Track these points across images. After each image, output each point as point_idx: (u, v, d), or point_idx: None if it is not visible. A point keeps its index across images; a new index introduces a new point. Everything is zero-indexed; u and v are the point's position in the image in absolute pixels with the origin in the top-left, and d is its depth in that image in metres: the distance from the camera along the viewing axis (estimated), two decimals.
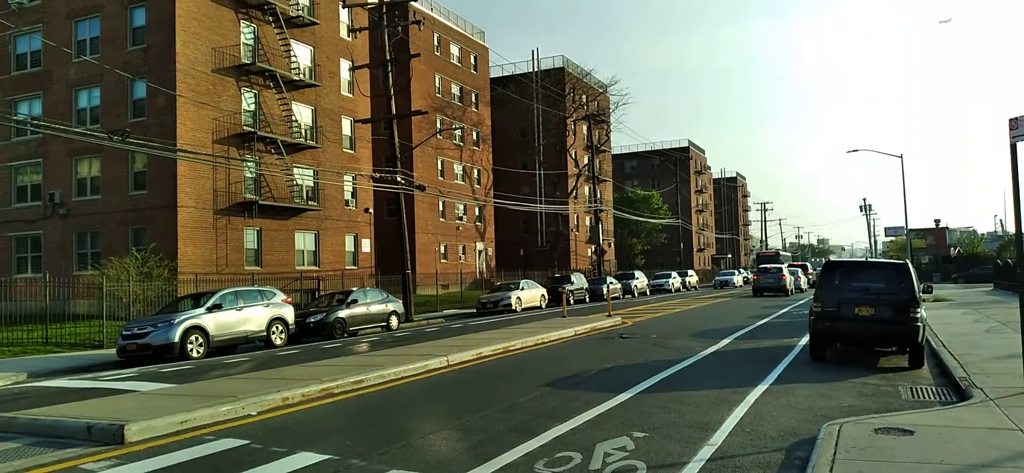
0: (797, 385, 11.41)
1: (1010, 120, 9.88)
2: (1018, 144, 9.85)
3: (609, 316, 25.66)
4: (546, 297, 39.26)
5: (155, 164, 32.38)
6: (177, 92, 31.96)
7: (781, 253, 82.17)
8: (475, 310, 36.45)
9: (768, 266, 50.81)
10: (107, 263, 28.57)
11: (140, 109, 33.50)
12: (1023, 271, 10.43)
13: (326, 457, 7.60)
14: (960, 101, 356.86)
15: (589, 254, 68.79)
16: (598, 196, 66.87)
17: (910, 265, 14.16)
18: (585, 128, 70.65)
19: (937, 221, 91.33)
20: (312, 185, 39.38)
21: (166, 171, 32.33)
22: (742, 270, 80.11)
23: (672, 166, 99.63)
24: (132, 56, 33.45)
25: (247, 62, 35.28)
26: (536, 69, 68.29)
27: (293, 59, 37.71)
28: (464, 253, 58.36)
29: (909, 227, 48.65)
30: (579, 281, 45.03)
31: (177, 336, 18.85)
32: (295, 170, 37.89)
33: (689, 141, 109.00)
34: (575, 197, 68.76)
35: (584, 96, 71.42)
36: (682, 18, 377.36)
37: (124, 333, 19.30)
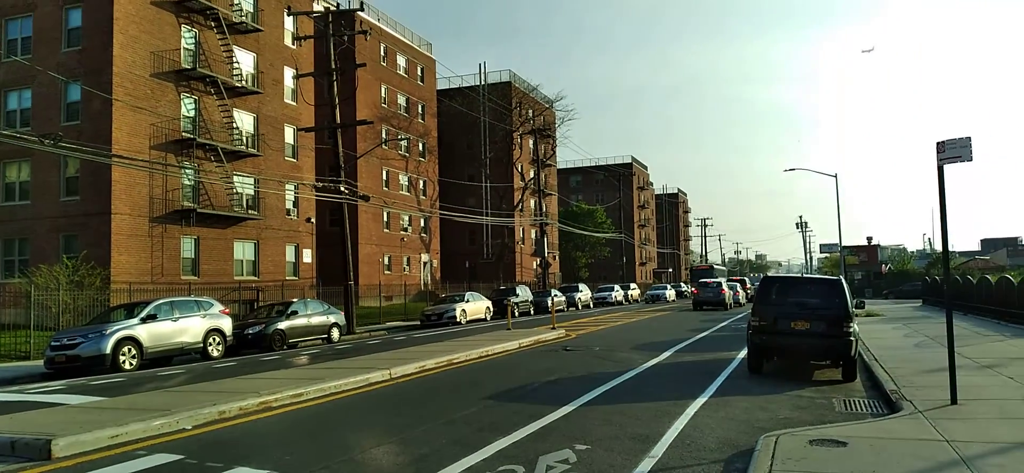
0: (735, 397, 11.62)
1: (938, 143, 10.26)
2: (945, 166, 10.23)
3: (553, 328, 25.76)
4: (491, 309, 39.21)
5: (89, 170, 31.34)
6: (114, 96, 31.04)
7: (716, 267, 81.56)
8: (419, 323, 36.20)
9: (708, 281, 51.60)
10: (36, 271, 27.51)
11: (74, 112, 32.43)
12: (949, 288, 10.83)
13: (264, 472, 7.43)
14: (892, 124, 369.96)
15: (534, 267, 69.05)
16: (544, 210, 67.21)
17: (844, 281, 14.58)
18: (531, 142, 71.02)
19: (869, 239, 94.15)
20: (253, 194, 38.63)
21: (100, 177, 31.33)
22: (678, 283, 79.33)
23: (616, 181, 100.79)
24: (67, 58, 32.37)
25: (188, 67, 34.49)
26: (483, 82, 68.49)
27: (236, 65, 37.03)
28: (409, 265, 57.96)
29: (843, 244, 50.19)
30: (524, 294, 45.15)
31: (109, 347, 18.25)
32: (235, 178, 37.14)
33: (632, 157, 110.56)
34: (521, 210, 69.01)
35: (530, 110, 71.88)
36: (626, 37, 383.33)
37: (53, 344, 18.61)
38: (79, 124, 31.79)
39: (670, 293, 62.57)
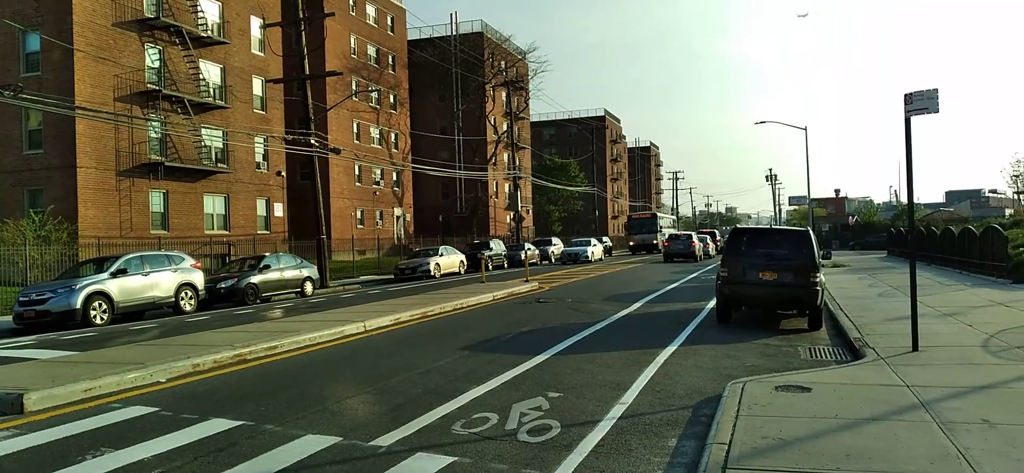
0: (704, 346, 11.86)
1: (905, 95, 10.40)
2: (912, 118, 10.39)
3: (527, 281, 25.95)
4: (465, 263, 39.29)
5: (52, 122, 30.67)
6: (74, 46, 30.27)
7: (658, 214, 71.94)
8: (393, 276, 36.20)
9: (677, 233, 52.09)
10: (2, 226, 27.04)
11: (34, 63, 31.59)
12: (913, 239, 11.09)
13: (239, 423, 7.50)
14: (861, 76, 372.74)
15: (508, 221, 69.16)
16: (517, 163, 67.09)
17: (811, 232, 14.83)
18: (504, 95, 70.59)
19: (837, 191, 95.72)
20: (222, 147, 38.10)
21: (64, 130, 30.68)
22: (604, 238, 66.45)
23: (589, 135, 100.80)
24: (24, 5, 31.40)
25: (151, 17, 33.69)
26: (455, 33, 67.69)
27: (200, 14, 36.22)
28: (381, 219, 57.74)
29: (811, 197, 50.81)
30: (498, 247, 45.29)
31: (79, 302, 18.09)
32: (203, 131, 36.57)
33: (605, 110, 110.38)
34: (494, 164, 68.82)
35: (503, 62, 71.29)
36: None
37: (21, 299, 18.40)
38: (40, 75, 31.02)
39: (595, 250, 49.54)
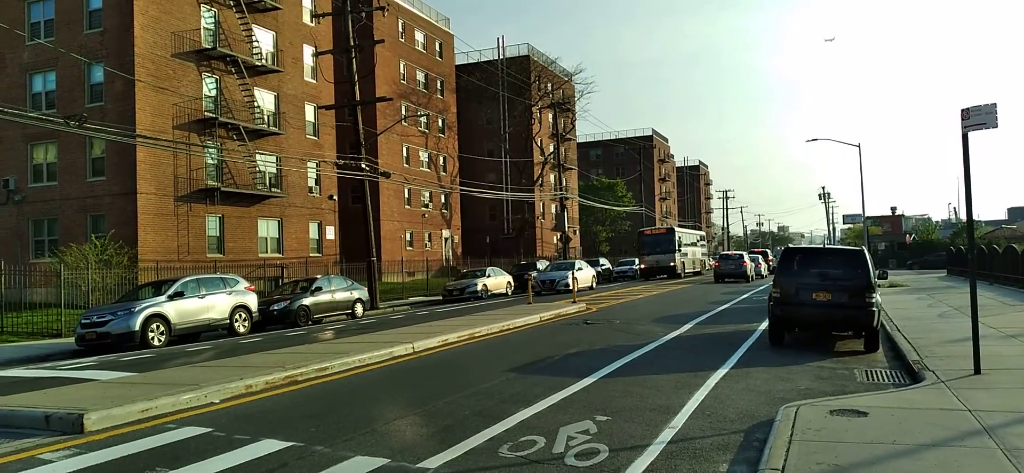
0: (756, 369, 11.64)
1: (962, 110, 10.14)
2: (970, 133, 10.11)
3: (574, 302, 25.83)
4: (512, 284, 39.33)
5: (114, 150, 31.76)
6: (136, 77, 31.35)
7: (678, 229, 55.47)
8: (441, 297, 36.42)
9: (729, 253, 51.26)
10: (65, 250, 28.01)
11: (98, 94, 32.81)
12: (973, 257, 10.75)
13: (290, 444, 7.60)
14: (918, 91, 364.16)
15: (554, 241, 69.06)
16: (563, 184, 67.06)
17: (866, 252, 14.48)
18: (550, 116, 70.72)
19: (893, 208, 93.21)
20: (275, 172, 38.94)
21: (125, 157, 31.73)
22: (599, 262, 49.26)
23: (636, 154, 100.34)
24: (88, 39, 32.70)
25: (208, 47, 34.71)
26: (502, 57, 68.19)
27: (255, 44, 37.19)
28: (430, 240, 58.21)
29: (866, 215, 49.66)
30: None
31: (138, 324, 18.59)
32: (258, 156, 37.43)
33: (653, 130, 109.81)
34: (541, 185, 68.89)
35: (549, 84, 71.49)
36: (647, 8, 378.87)
37: (83, 321, 18.98)
38: (103, 105, 32.18)
39: (583, 274, 38.53)
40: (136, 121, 31.24)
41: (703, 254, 59.76)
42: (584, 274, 38.86)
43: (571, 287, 31.59)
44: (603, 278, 47.66)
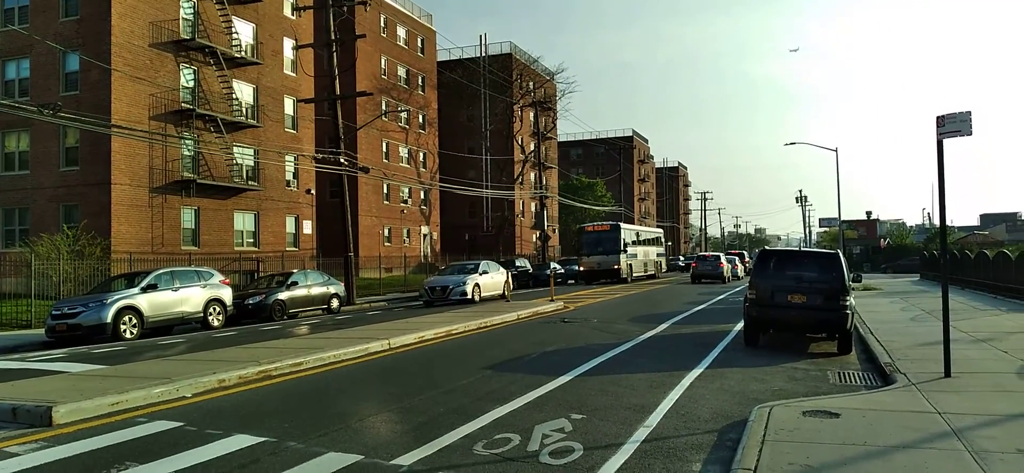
0: (730, 369, 11.72)
1: (937, 118, 10.26)
2: (944, 140, 10.23)
3: (552, 301, 25.87)
4: (511, 285, 38.37)
5: (88, 140, 31.31)
6: (112, 66, 30.90)
7: (624, 226, 46.52)
8: (419, 294, 36.21)
9: (706, 254, 51.21)
10: (37, 240, 27.59)
11: (73, 82, 32.31)
12: (946, 262, 10.88)
13: (263, 439, 7.53)
14: (894, 97, 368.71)
15: (534, 240, 69.09)
16: (544, 183, 67.03)
17: (841, 255, 14.62)
18: (532, 115, 70.76)
19: (869, 213, 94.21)
20: (253, 165, 38.59)
21: (100, 147, 31.29)
22: (482, 266, 32.21)
23: (616, 154, 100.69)
24: (64, 27, 32.19)
25: (186, 37, 34.31)
26: (483, 54, 68.14)
27: (235, 36, 36.82)
28: (409, 237, 58.02)
29: (842, 218, 50.17)
30: (524, 266, 45.22)
31: (110, 316, 18.35)
32: (235, 149, 37.08)
33: (633, 131, 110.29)
34: (521, 183, 68.92)
35: (531, 83, 71.55)
36: (624, 11, 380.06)
37: (54, 313, 18.70)
38: (78, 94, 31.70)
39: (488, 279, 30.53)
40: (112, 111, 30.81)
41: (659, 255, 53.91)
42: (491, 279, 30.50)
43: (470, 296, 27.55)
44: (524, 281, 42.73)
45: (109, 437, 7.75)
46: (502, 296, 29.75)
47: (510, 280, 31.54)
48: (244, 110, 37.73)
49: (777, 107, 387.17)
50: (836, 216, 52.61)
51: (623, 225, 46.51)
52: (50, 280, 24.62)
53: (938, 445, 6.80)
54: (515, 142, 68.41)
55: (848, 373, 11.58)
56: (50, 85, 32.25)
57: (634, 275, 42.99)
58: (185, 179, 34.19)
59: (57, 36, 31.56)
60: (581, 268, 43.38)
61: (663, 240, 58.64)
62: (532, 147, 69.17)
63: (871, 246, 74.17)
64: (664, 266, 53.38)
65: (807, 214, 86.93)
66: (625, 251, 42.06)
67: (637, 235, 49.19)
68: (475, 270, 30.04)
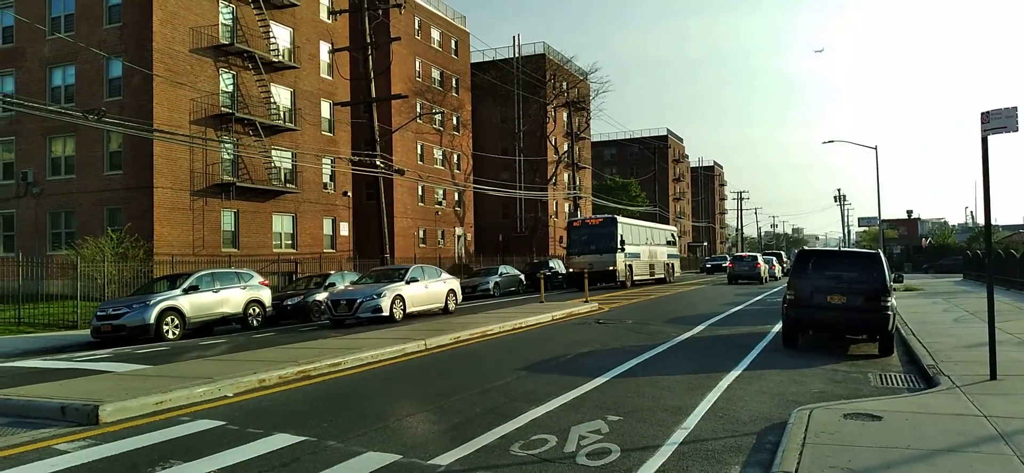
0: (769, 371, 11.59)
1: (982, 114, 10.04)
2: (989, 137, 10.02)
3: (586, 301, 25.79)
4: (524, 282, 39.18)
5: (131, 144, 32.03)
6: (154, 72, 31.57)
7: (622, 220, 40.00)
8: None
9: (743, 254, 50.17)
10: (82, 243, 28.27)
11: (116, 88, 33.08)
12: (990, 262, 10.65)
13: (303, 438, 7.64)
14: (935, 94, 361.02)
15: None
16: (577, 183, 66.99)
17: (882, 255, 14.38)
18: (565, 115, 70.67)
19: (909, 212, 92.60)
20: (290, 167, 39.13)
21: (142, 151, 31.98)
22: (412, 273, 24.22)
23: (651, 154, 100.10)
24: (108, 34, 32.97)
25: (225, 42, 34.91)
26: (517, 55, 68.21)
27: (272, 40, 37.36)
28: (443, 238, 58.30)
29: (882, 218, 49.29)
30: (557, 267, 45.12)
31: (153, 317, 18.73)
32: (273, 152, 37.62)
33: (668, 130, 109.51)
34: (554, 184, 68.83)
35: (565, 83, 71.41)
36: (662, 8, 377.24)
37: (99, 314, 19.14)
38: (121, 99, 32.44)
39: (416, 293, 23.40)
40: (153, 116, 31.47)
41: (670, 257, 47.04)
42: (424, 290, 23.62)
43: (389, 313, 21.36)
44: (557, 283, 38.82)
45: (154, 436, 7.92)
46: (443, 310, 24.31)
47: (458, 291, 25.81)
48: (282, 114, 38.27)
49: (813, 104, 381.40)
50: (876, 215, 51.70)
51: (621, 219, 40.14)
52: (95, 282, 25.19)
53: (985, 449, 6.66)
54: (548, 143, 68.36)
55: (890, 375, 11.39)
56: (95, 91, 33.04)
57: (635, 278, 37.71)
58: (225, 182, 34.78)
59: (101, 43, 32.33)
60: (569, 270, 37.41)
61: (676, 238, 51.22)
62: (565, 147, 69.08)
63: (912, 246, 72.82)
64: (676, 269, 46.53)
65: (846, 213, 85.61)
66: (623, 250, 36.51)
67: (640, 231, 42.63)
68: (400, 278, 23.17)
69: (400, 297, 22.15)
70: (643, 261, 39.52)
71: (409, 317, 22.34)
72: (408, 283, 23.00)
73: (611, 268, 35.21)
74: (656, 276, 41.92)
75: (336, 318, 21.87)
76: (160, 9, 32.25)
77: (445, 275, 26.23)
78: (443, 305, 24.39)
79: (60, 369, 13.44)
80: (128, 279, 26.20)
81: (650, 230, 45.25)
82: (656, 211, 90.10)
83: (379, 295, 21.63)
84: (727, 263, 55.73)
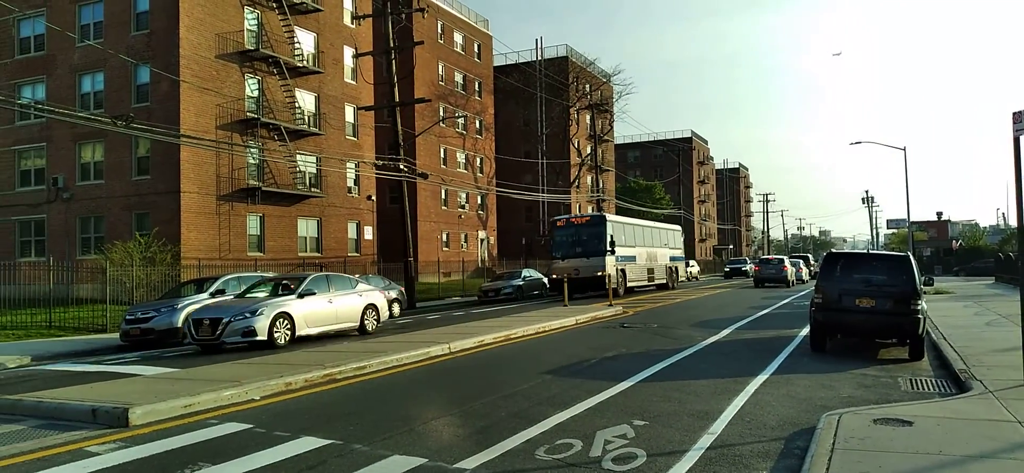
0: (797, 375, 11.46)
1: (1014, 113, 9.87)
2: (1021, 138, 9.84)
3: (610, 305, 25.71)
4: (548, 285, 39.11)
5: (158, 149, 32.44)
6: (180, 78, 31.97)
7: (611, 218, 36.65)
8: (477, 298, 36.49)
9: (769, 257, 49.39)
10: (111, 247, 28.65)
11: (143, 94, 33.54)
12: (1023, 264, 10.46)
13: (329, 441, 7.67)
14: (965, 94, 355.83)
15: None
16: (601, 186, 66.82)
17: (912, 257, 14.19)
18: (588, 118, 70.58)
19: (939, 214, 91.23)
20: (315, 172, 39.43)
21: (169, 156, 32.38)
22: (307, 284, 18.71)
23: (675, 156, 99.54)
24: (135, 41, 33.45)
25: (251, 48, 35.27)
26: (540, 58, 68.22)
27: (297, 45, 37.68)
28: (466, 241, 58.42)
29: (911, 219, 48.61)
30: None
31: (180, 321, 18.89)
32: (298, 157, 37.93)
33: (692, 132, 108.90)
34: (577, 187, 68.75)
35: (587, 85, 71.32)
36: (686, 9, 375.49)
37: (128, 317, 19.34)
38: (149, 105, 32.89)
39: (314, 310, 18.36)
40: (180, 121, 31.86)
41: (673, 260, 42.34)
42: (327, 307, 18.69)
43: (266, 338, 16.51)
44: (497, 296, 34.89)
45: (183, 438, 8.00)
46: (360, 331, 19.53)
47: (382, 307, 21.00)
48: (306, 118, 38.58)
49: (844, 105, 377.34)
50: (904, 217, 50.99)
51: (611, 217, 36.97)
52: (124, 286, 25.50)
53: (1019, 455, 6.53)
54: (571, 145, 68.29)
55: (920, 380, 11.21)
56: (123, 97, 33.52)
57: (629, 284, 33.91)
58: (250, 187, 35.12)
59: (129, 50, 32.81)
60: (552, 276, 33.18)
61: (680, 239, 45.69)
62: (588, 150, 68.95)
63: (942, 248, 71.74)
64: (680, 273, 42.22)
65: (874, 215, 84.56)
66: (613, 252, 32.12)
67: (636, 231, 38.18)
68: (290, 291, 18.39)
69: (285, 316, 17.28)
70: (640, 265, 35.99)
71: (303, 341, 17.52)
72: (301, 297, 18.10)
73: (599, 273, 31.32)
74: (657, 281, 38.18)
75: (201, 344, 16.94)
76: (186, 16, 32.66)
77: (364, 286, 20.69)
78: (358, 325, 19.59)
79: (90, 372, 13.63)
80: (156, 283, 26.49)
81: (649, 230, 41.27)
82: (681, 213, 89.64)
83: (254, 313, 16.85)
84: (749, 266, 55.07)
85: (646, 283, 36.71)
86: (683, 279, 42.25)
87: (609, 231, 32.97)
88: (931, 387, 10.72)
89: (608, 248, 31.97)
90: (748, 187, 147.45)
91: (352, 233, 42.39)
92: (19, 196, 36.11)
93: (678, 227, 47.91)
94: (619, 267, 33.06)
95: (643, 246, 37.58)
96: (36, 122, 35.75)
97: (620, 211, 75.63)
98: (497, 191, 56.83)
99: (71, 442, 7.97)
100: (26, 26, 36.45)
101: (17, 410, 9.64)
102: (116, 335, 19.83)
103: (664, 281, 39.02)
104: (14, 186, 36.37)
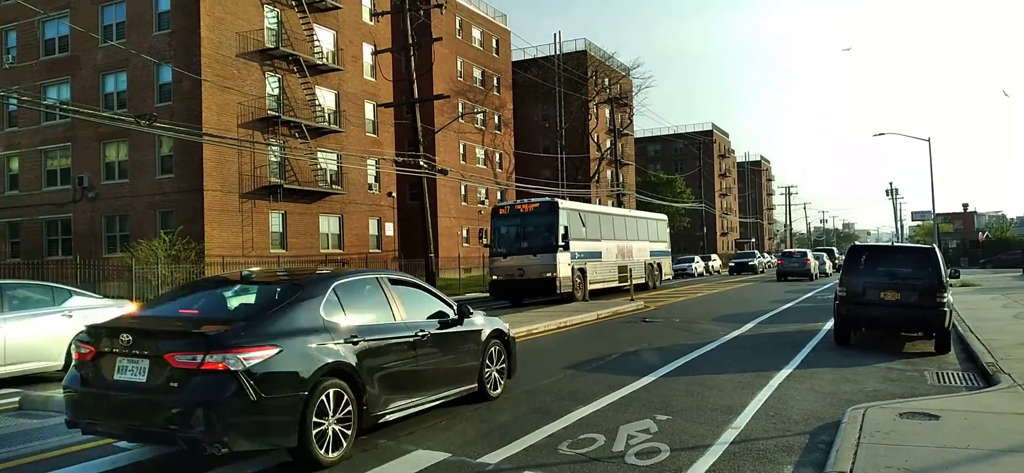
0: (821, 369, 11.38)
1: None
2: None
3: (631, 300, 25.64)
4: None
5: (181, 148, 32.78)
6: (202, 77, 32.27)
7: (563, 205, 27.99)
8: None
9: (792, 250, 48.93)
10: (136, 246, 29.02)
11: (166, 93, 33.89)
12: None
13: None
14: (992, 84, 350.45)
15: None
16: (620, 180, 66.62)
17: (937, 249, 14.04)
18: (607, 112, 70.34)
19: (965, 205, 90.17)
20: (336, 169, 39.66)
21: (192, 155, 32.71)
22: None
23: (695, 150, 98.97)
24: (157, 41, 33.79)
25: (271, 46, 35.50)
26: (558, 53, 68.08)
27: (316, 43, 37.88)
28: (486, 237, 58.45)
29: (936, 211, 48.04)
30: None
31: None
32: (319, 154, 38.15)
33: (713, 124, 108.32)
34: (597, 181, 68.58)
35: (606, 79, 71.07)
36: (687, 3, 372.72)
37: None
38: (171, 104, 33.22)
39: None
40: (202, 120, 32.16)
41: (656, 255, 36.36)
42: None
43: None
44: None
45: None
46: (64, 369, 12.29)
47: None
48: (327, 116, 38.80)
49: (867, 97, 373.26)
50: (929, 209, 50.40)
51: (564, 203, 29.01)
52: (149, 283, 25.84)
53: None
54: (591, 140, 68.11)
55: (947, 373, 11.10)
56: (146, 96, 33.89)
57: (592, 286, 28.01)
58: (272, 184, 35.39)
59: (151, 50, 33.16)
60: (492, 277, 27.83)
61: (665, 229, 38.97)
62: (608, 144, 68.75)
63: (968, 240, 70.86)
64: (665, 270, 37.20)
65: (898, 207, 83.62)
66: (566, 248, 26.35)
67: (604, 221, 31.63)
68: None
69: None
70: (607, 262, 29.88)
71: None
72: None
73: (549, 274, 25.62)
74: (634, 280, 30.52)
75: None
76: (207, 15, 32.94)
77: (83, 299, 12.81)
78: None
79: None
80: (181, 280, 26.80)
81: (623, 219, 34.69)
82: (702, 207, 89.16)
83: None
84: (758, 260, 53.97)
85: (615, 283, 30.55)
86: (668, 277, 37.62)
87: (562, 221, 26.80)
88: (958, 381, 10.61)
89: (560, 242, 26.30)
90: (770, 180, 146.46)
91: (373, 229, 42.60)
92: (45, 196, 36.65)
93: (663, 216, 41.37)
94: (577, 265, 27.09)
95: (613, 240, 31.34)
96: (61, 122, 36.25)
97: (640, 205, 74.51)
98: (516, 186, 56.84)
99: (99, 438, 8.05)
100: (50, 28, 36.95)
101: (50, 407, 9.81)
102: None
103: (643, 280, 33.26)
104: (41, 186, 36.92)
